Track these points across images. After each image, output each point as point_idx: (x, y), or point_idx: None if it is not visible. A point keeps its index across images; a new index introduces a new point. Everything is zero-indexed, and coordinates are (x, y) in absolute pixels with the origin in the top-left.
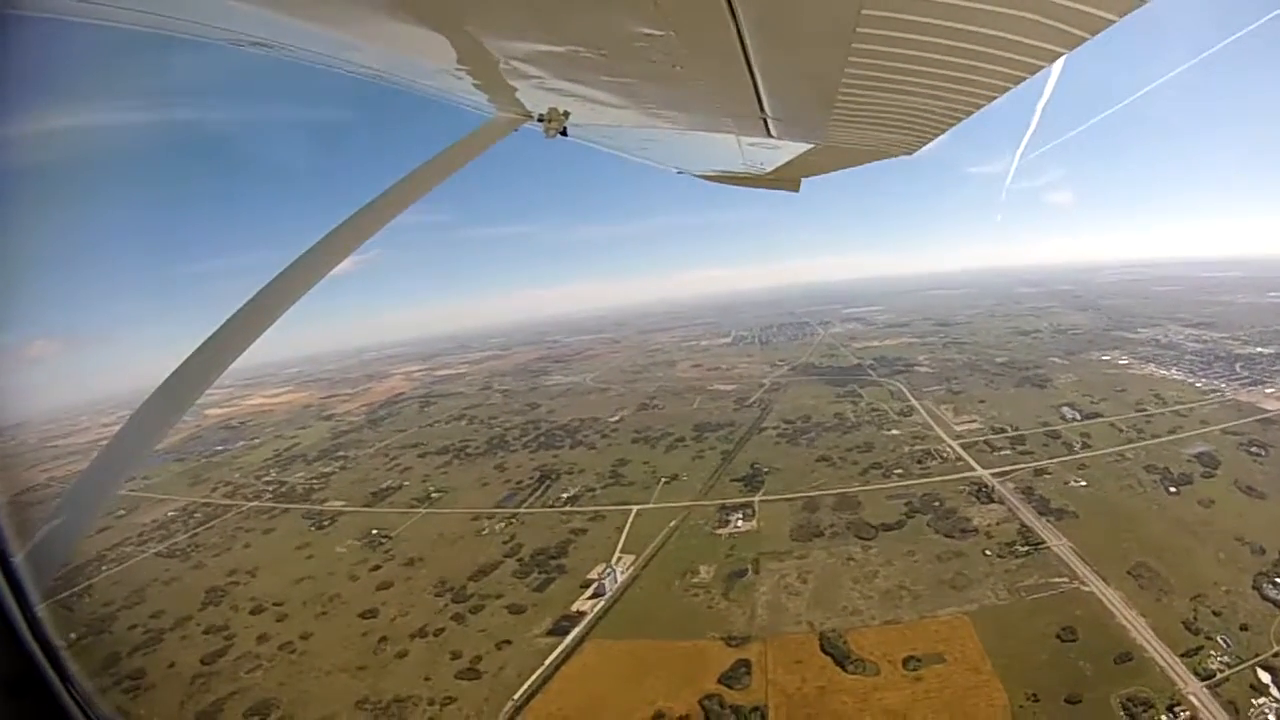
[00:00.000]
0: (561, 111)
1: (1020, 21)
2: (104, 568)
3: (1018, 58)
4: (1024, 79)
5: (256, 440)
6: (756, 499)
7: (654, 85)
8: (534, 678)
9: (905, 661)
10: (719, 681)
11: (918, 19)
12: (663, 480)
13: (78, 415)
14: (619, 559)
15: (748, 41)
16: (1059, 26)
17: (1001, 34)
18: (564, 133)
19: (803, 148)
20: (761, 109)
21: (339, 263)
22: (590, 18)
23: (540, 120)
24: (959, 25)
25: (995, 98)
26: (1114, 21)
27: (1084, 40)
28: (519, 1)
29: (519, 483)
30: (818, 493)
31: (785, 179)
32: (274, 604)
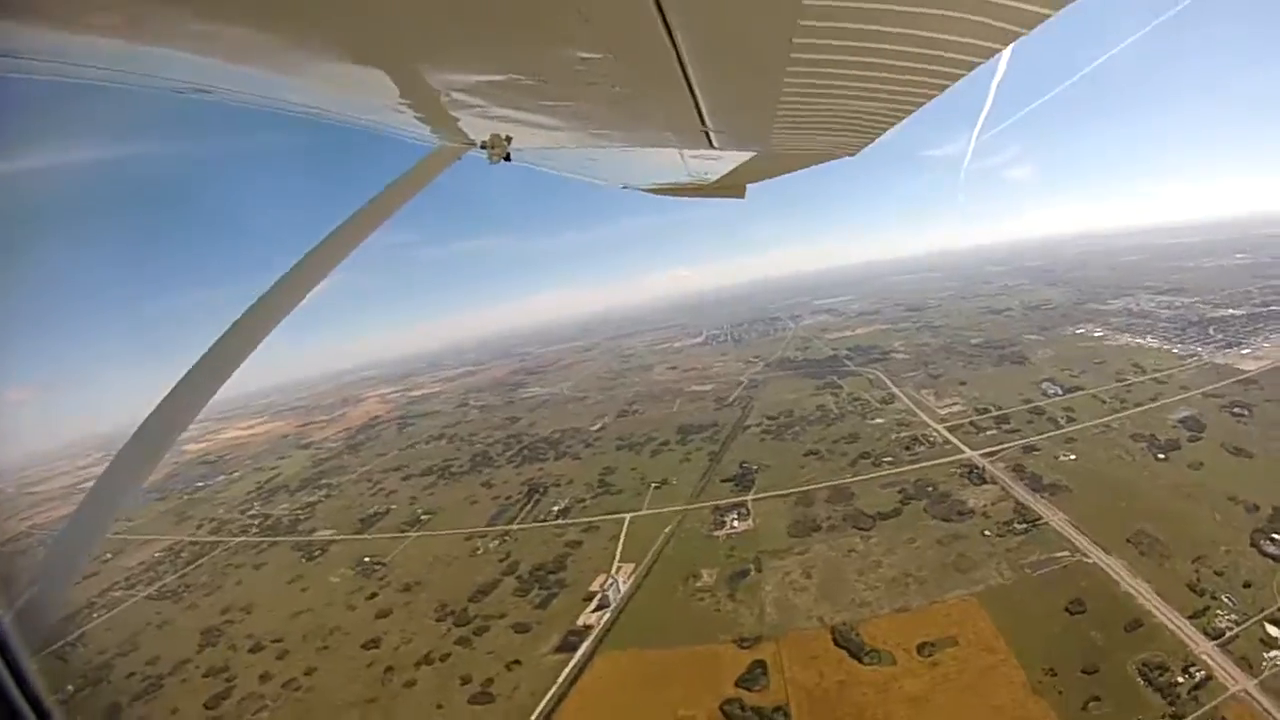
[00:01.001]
0: (504, 137)
1: (957, 21)
2: (95, 615)
3: (957, 55)
4: (962, 75)
5: (236, 474)
6: (749, 498)
7: (594, 106)
8: (549, 696)
9: (920, 648)
10: (737, 684)
11: (853, 26)
12: (652, 486)
13: (53, 460)
14: (619, 568)
15: (685, 60)
16: (994, 24)
17: (937, 34)
18: (507, 158)
19: (746, 156)
20: (703, 123)
21: (297, 304)
22: (527, 45)
23: (483, 147)
24: (893, 29)
25: (935, 95)
26: (1049, 16)
27: (1021, 35)
28: (455, 34)
29: (507, 498)
30: (810, 487)
31: (730, 186)
32: (273, 641)
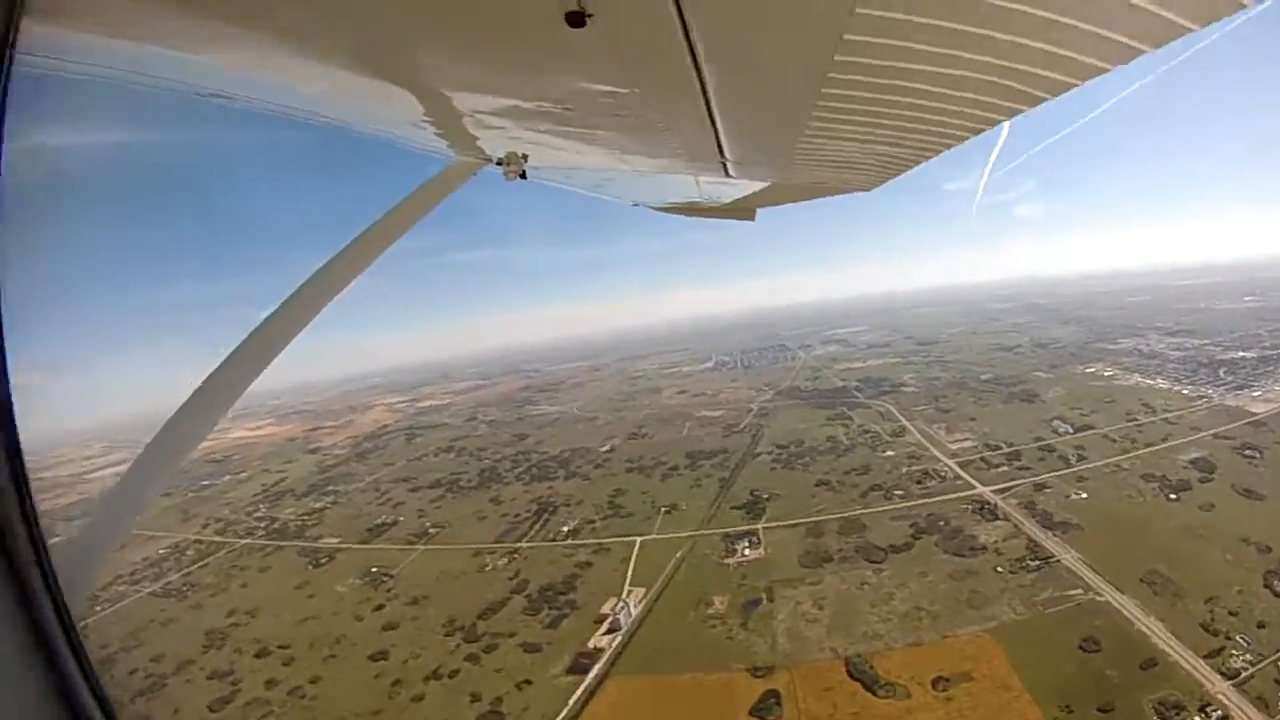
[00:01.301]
0: (520, 155)
1: (983, 82)
2: (98, 608)
3: (981, 113)
4: (985, 130)
5: (243, 474)
6: (760, 526)
7: (615, 134)
8: (560, 718)
9: (935, 682)
10: (751, 714)
11: (880, 80)
12: (663, 510)
13: (57, 447)
14: (629, 592)
15: (711, 98)
16: (1022, 88)
17: (959, 93)
18: (523, 175)
19: (760, 184)
20: (721, 154)
21: (318, 312)
22: (557, 75)
23: (499, 164)
24: (920, 85)
25: (954, 145)
26: (1077, 85)
27: (1045, 100)
28: (485, 58)
29: (516, 516)
30: (821, 517)
31: (741, 209)
32: (279, 646)
